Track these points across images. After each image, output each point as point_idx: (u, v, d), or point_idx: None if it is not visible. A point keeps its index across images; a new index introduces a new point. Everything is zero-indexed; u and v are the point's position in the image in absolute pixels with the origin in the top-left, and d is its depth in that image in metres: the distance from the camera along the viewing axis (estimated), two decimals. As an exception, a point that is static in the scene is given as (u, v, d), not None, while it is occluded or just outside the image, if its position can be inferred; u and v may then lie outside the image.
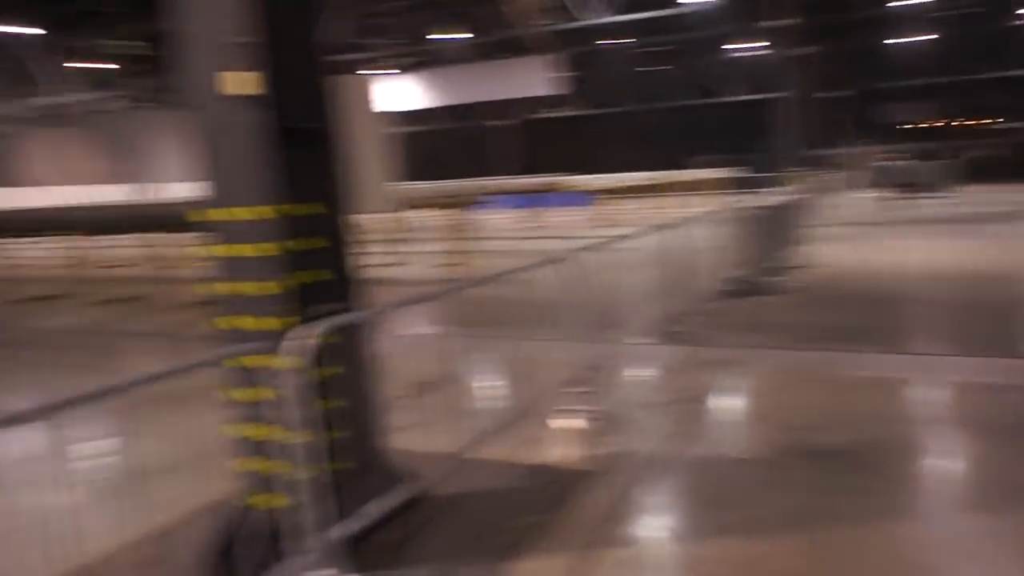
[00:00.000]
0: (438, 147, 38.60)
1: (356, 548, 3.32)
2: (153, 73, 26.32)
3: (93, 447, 4.90)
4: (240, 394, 3.43)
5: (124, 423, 4.98)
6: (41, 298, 12.85)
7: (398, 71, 35.65)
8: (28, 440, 2.54)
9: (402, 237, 16.41)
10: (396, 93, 34.69)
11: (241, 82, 3.29)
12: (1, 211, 21.21)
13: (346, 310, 3.64)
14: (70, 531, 3.48)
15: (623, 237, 6.71)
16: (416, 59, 35.08)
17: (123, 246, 14.51)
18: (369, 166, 4.13)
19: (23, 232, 16.33)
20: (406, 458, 4.07)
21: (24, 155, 31.83)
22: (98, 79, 27.81)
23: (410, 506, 3.82)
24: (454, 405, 5.72)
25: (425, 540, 3.63)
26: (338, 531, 3.27)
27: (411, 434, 4.46)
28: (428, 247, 14.57)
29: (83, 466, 4.73)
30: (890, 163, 26.79)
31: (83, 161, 32.90)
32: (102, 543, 3.58)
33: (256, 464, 3.45)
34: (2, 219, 16.70)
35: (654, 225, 7.82)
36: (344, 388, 3.58)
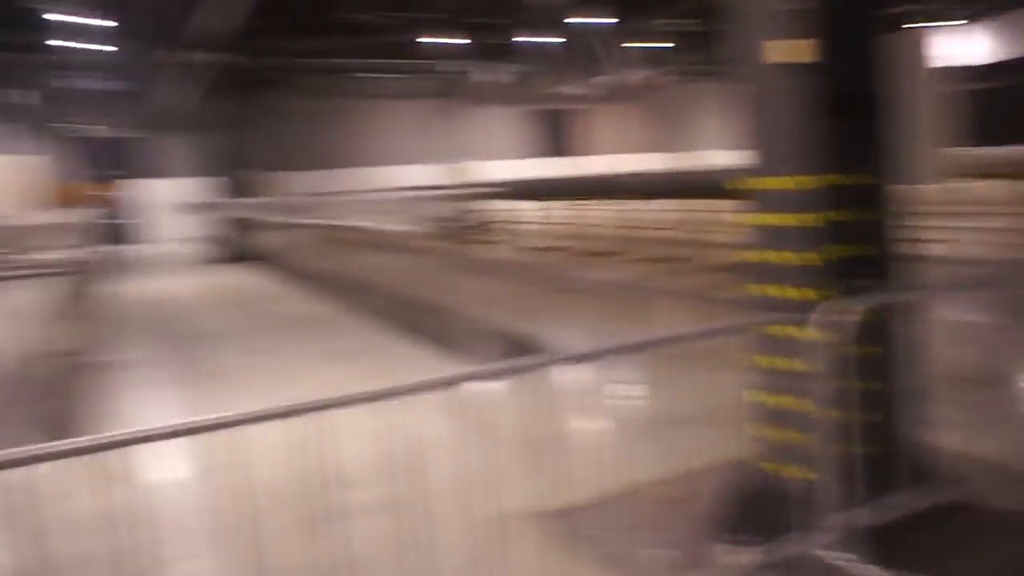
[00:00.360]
0: (1009, 106, 32.93)
1: (877, 539, 3.13)
2: (702, 48, 27.68)
3: (626, 389, 5.51)
4: (766, 361, 3.48)
5: (648, 371, 5.48)
6: (596, 254, 14.80)
7: (963, 21, 31.23)
8: (575, 373, 2.97)
9: (957, 211, 14.54)
10: (959, 46, 30.52)
11: (794, 50, 3.27)
12: (571, 178, 24.92)
13: (887, 287, 3.41)
14: (617, 457, 3.99)
15: None
16: (987, 4, 30.27)
17: (664, 210, 15.77)
18: (921, 132, 3.75)
19: (588, 196, 18.99)
20: (942, 457, 3.67)
21: (590, 129, 36.73)
22: (652, 57, 30.41)
23: (945, 511, 3.44)
24: (1007, 408, 4.93)
25: (960, 554, 3.24)
26: (860, 516, 3.13)
27: (950, 432, 3.99)
28: (988, 223, 12.65)
29: (618, 404, 5.35)
30: None
31: (636, 132, 36.55)
32: (639, 473, 4.02)
33: (774, 432, 3.48)
34: (572, 184, 19.65)
35: None
36: (879, 370, 3.38)
